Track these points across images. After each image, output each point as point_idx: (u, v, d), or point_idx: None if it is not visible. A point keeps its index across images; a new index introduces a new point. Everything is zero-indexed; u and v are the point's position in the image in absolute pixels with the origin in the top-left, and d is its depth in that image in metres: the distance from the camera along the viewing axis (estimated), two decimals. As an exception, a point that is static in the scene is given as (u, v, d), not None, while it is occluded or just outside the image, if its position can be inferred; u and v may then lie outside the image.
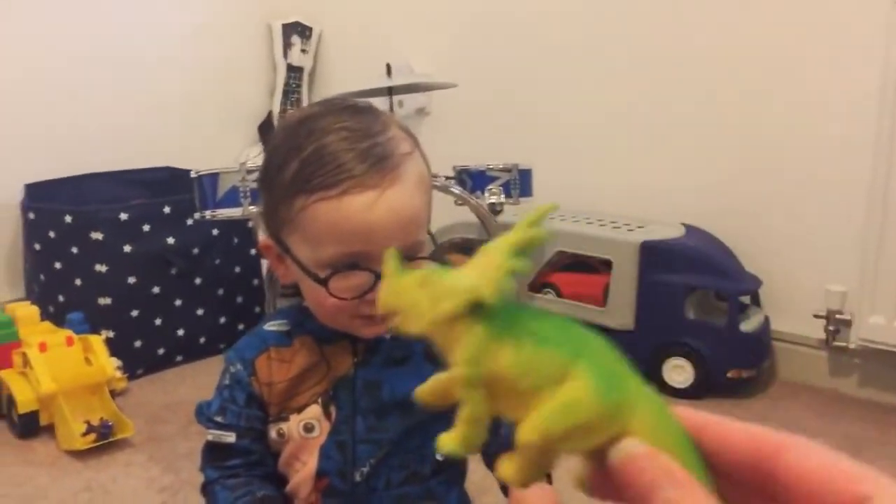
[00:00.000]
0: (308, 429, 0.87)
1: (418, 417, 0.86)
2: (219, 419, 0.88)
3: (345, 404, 0.86)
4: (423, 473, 0.88)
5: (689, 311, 1.76)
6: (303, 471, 0.87)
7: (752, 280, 1.80)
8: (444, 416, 0.87)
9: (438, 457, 0.89)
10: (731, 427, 0.29)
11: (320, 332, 0.87)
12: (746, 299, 1.83)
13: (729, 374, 1.72)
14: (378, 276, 0.77)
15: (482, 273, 0.30)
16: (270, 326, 0.90)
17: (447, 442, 0.30)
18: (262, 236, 0.88)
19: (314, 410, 0.86)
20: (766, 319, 1.80)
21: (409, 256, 0.79)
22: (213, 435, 0.88)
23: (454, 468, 0.91)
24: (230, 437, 0.87)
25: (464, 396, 0.30)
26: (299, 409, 0.87)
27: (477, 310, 0.29)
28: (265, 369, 0.87)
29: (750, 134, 1.85)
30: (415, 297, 0.31)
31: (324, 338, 0.87)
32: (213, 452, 0.88)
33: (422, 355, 0.86)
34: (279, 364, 0.87)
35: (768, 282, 1.81)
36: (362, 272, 0.78)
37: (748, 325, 1.74)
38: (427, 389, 0.32)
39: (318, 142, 0.78)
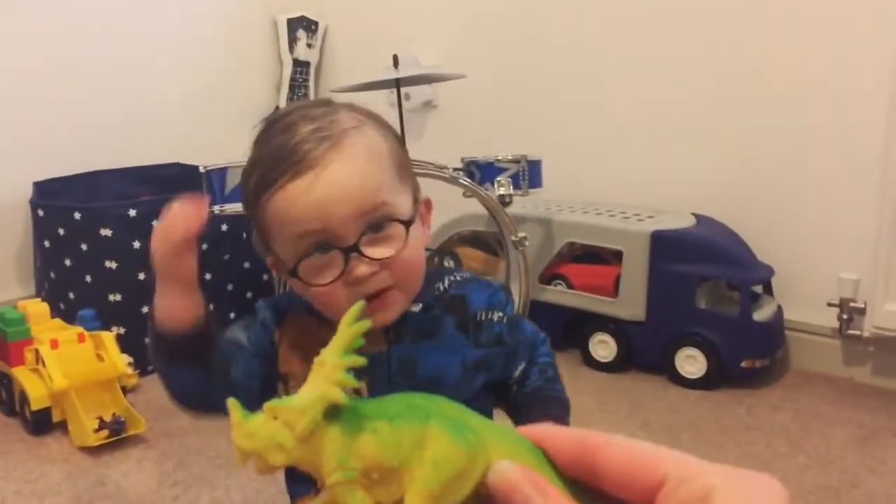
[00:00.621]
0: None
1: (450, 394, 0.86)
2: (238, 334, 0.85)
3: (379, 382, 0.83)
4: None
5: (701, 302, 1.75)
6: None
7: (765, 269, 1.79)
8: (476, 398, 0.85)
9: None
10: (561, 437, 0.32)
11: None
12: (759, 289, 1.81)
13: (742, 364, 1.71)
14: (346, 251, 0.76)
15: (323, 381, 0.32)
16: (264, 311, 0.88)
17: None
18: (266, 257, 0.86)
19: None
20: (779, 309, 1.79)
21: (376, 223, 0.77)
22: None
23: None
24: (242, 339, 0.85)
25: (347, 500, 0.31)
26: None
27: (329, 417, 0.32)
28: (293, 329, 0.85)
29: (760, 123, 1.84)
30: (270, 431, 0.32)
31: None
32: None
33: (452, 325, 0.86)
34: (316, 337, 0.86)
35: (781, 271, 1.79)
36: (329, 254, 0.76)
37: (761, 315, 1.73)
38: None
39: (264, 146, 0.79)
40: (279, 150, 0.76)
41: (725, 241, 1.79)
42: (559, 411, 0.89)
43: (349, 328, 0.34)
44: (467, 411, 0.33)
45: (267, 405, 0.33)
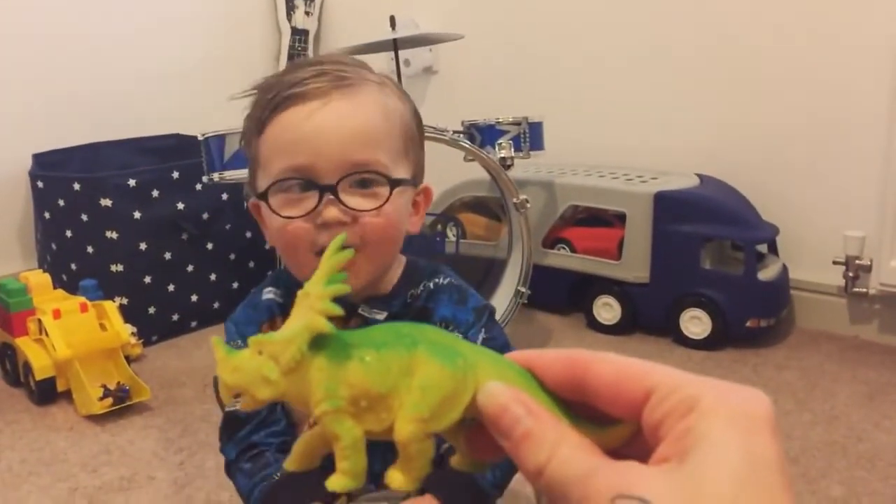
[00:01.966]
0: None
1: None
2: None
3: None
4: None
5: (705, 262, 1.74)
6: None
7: (770, 228, 1.77)
8: None
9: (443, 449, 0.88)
10: (550, 356, 0.32)
11: None
12: (764, 248, 1.80)
13: (747, 324, 1.70)
14: (323, 189, 0.74)
15: (307, 310, 0.31)
16: (266, 294, 0.88)
17: (335, 483, 0.31)
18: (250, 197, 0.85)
19: None
20: (784, 268, 1.78)
21: (365, 178, 0.75)
22: (229, 404, 0.87)
23: None
24: None
25: (335, 430, 0.31)
26: None
27: (315, 348, 0.31)
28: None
29: (764, 81, 1.81)
30: (256, 365, 0.31)
31: None
32: (228, 425, 0.87)
33: None
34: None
35: (786, 230, 1.78)
36: (309, 192, 0.75)
37: (766, 274, 1.71)
38: (295, 456, 0.34)
39: (282, 76, 0.78)
40: (294, 79, 0.75)
41: (729, 201, 1.77)
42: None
43: (332, 257, 0.33)
44: (455, 338, 0.33)
45: (251, 339, 0.32)
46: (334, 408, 0.31)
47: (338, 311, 0.31)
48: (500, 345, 0.87)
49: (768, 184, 1.82)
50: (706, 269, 1.73)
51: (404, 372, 0.31)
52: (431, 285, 0.86)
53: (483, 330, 0.85)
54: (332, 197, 0.74)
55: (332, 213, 0.74)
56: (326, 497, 0.82)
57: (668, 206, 1.74)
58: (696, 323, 1.73)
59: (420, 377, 0.31)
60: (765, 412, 0.28)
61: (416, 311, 0.84)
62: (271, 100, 0.75)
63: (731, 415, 0.27)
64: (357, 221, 0.75)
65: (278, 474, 0.82)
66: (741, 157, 1.86)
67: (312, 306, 0.32)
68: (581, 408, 0.31)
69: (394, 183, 0.76)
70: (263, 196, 0.75)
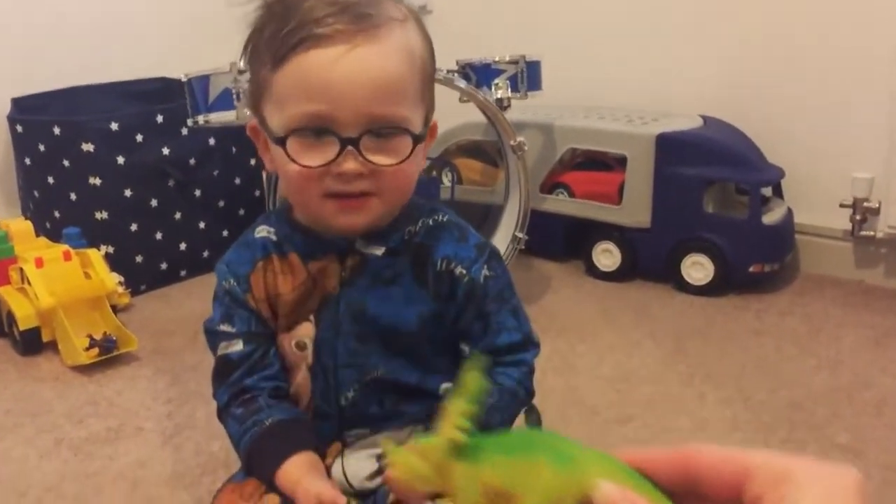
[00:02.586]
0: (300, 347, 0.82)
1: (404, 345, 0.80)
2: (224, 327, 0.83)
3: (327, 325, 0.80)
4: (422, 397, 0.83)
5: (708, 206, 1.69)
6: (301, 382, 0.83)
7: (775, 171, 1.72)
8: (440, 352, 0.80)
9: (443, 391, 0.83)
10: (657, 454, 0.36)
11: (305, 247, 0.81)
12: (768, 192, 1.75)
13: (751, 269, 1.66)
14: (344, 143, 0.70)
15: (448, 426, 0.41)
16: (259, 232, 0.84)
17: None
18: (250, 119, 0.80)
19: (307, 328, 0.81)
20: (789, 211, 1.73)
21: (386, 128, 0.71)
22: (221, 348, 0.83)
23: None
24: (237, 345, 0.82)
25: None
26: (289, 328, 0.82)
27: (457, 453, 0.40)
28: (260, 284, 0.82)
29: (769, 18, 1.75)
30: (416, 465, 0.42)
31: (308, 253, 0.80)
32: (220, 369, 0.84)
33: (411, 276, 0.80)
34: (282, 276, 0.81)
35: (791, 172, 1.72)
36: (328, 138, 0.70)
37: (770, 218, 1.67)
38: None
39: (301, 2, 0.70)
40: (306, 12, 0.69)
41: (733, 143, 1.72)
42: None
43: (472, 382, 0.41)
44: (571, 443, 0.39)
45: (412, 445, 0.43)
46: (469, 500, 0.40)
47: (469, 427, 0.40)
48: (504, 283, 0.83)
49: (774, 125, 1.76)
50: (709, 213, 1.68)
51: (527, 474, 0.38)
52: (430, 222, 0.82)
53: (486, 266, 0.80)
54: (353, 149, 0.70)
55: (350, 165, 0.71)
56: (314, 447, 0.79)
57: (670, 149, 1.69)
58: (697, 268, 1.69)
59: (540, 480, 0.37)
60: (854, 484, 0.31)
61: (414, 248, 0.80)
62: (289, 34, 0.69)
63: (821, 486, 0.31)
64: (374, 173, 0.72)
65: (269, 421, 0.79)
66: (746, 97, 1.80)
67: (452, 422, 0.41)
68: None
69: (416, 139, 0.73)
70: (281, 141, 0.71)
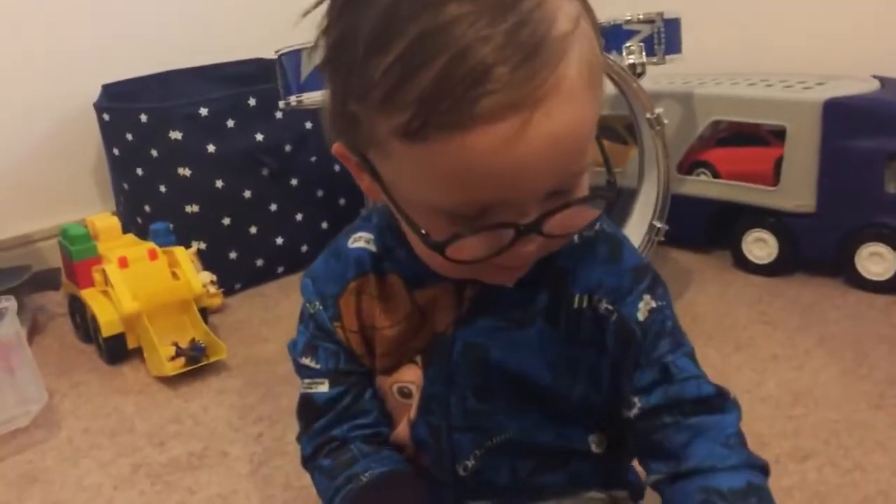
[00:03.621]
0: (404, 394, 0.63)
1: (538, 403, 0.60)
2: (307, 362, 0.65)
3: (437, 376, 0.61)
4: (565, 461, 0.63)
5: (890, 185, 1.41)
6: (403, 434, 0.66)
7: (973, 140, 1.42)
8: (587, 410, 0.53)
9: (595, 446, 0.62)
10: None
11: (410, 269, 0.60)
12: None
13: (946, 262, 1.37)
14: (519, 231, 0.48)
15: None
16: (356, 242, 0.64)
17: None
18: (333, 142, 0.58)
19: (413, 372, 0.63)
20: None
21: (564, 192, 0.50)
22: (304, 384, 0.67)
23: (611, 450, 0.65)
24: (322, 386, 0.65)
25: None
26: (389, 371, 0.64)
27: None
28: (351, 311, 0.63)
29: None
30: None
31: (414, 277, 0.60)
32: (303, 410, 0.68)
33: (545, 318, 0.59)
34: (382, 304, 0.62)
35: None
36: (498, 230, 0.49)
37: (971, 199, 1.37)
38: None
39: (430, 19, 0.45)
40: (454, 54, 0.44)
41: (921, 108, 1.43)
42: None
43: None
44: None
45: None
46: None
47: None
48: (672, 319, 0.60)
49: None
50: (891, 194, 1.41)
51: None
52: (575, 238, 0.60)
53: (647, 297, 0.58)
54: (533, 235, 0.50)
55: (529, 249, 0.51)
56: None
57: (840, 117, 1.42)
58: (877, 260, 1.42)
59: None
60: None
61: (553, 277, 0.59)
62: (432, 100, 0.45)
63: None
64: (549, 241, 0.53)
65: (366, 475, 0.62)
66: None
67: None
68: None
69: (611, 197, 0.55)
70: (438, 247, 0.50)
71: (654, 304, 0.59)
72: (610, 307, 0.58)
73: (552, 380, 0.59)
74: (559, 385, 0.60)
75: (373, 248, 0.64)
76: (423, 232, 0.51)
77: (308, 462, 0.69)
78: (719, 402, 0.59)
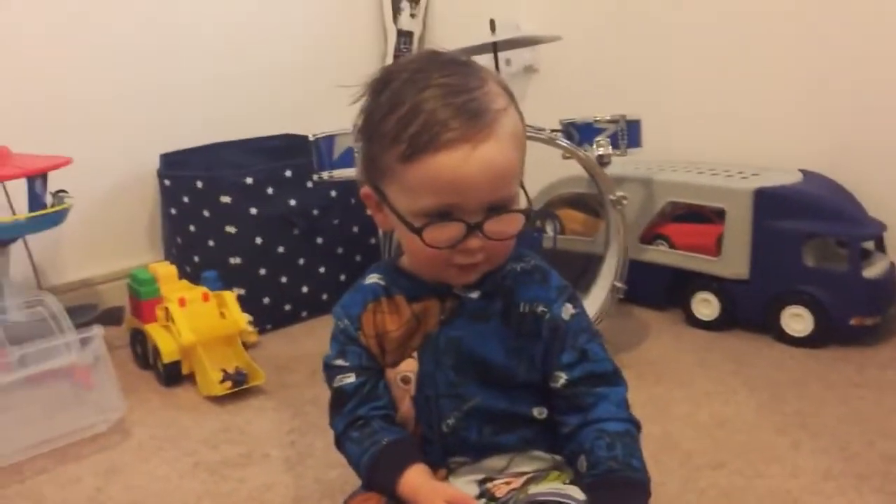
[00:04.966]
0: (405, 381, 0.94)
1: (496, 377, 0.91)
2: (339, 362, 0.96)
3: (429, 360, 0.92)
4: (516, 426, 0.93)
5: (807, 259, 1.71)
6: (406, 412, 0.95)
7: (876, 225, 1.73)
8: (529, 386, 0.92)
9: (536, 413, 0.93)
10: None
11: (410, 290, 0.94)
12: (871, 245, 1.76)
13: (851, 322, 1.67)
14: (469, 227, 0.82)
15: None
16: (370, 279, 0.98)
17: None
18: (363, 186, 0.93)
19: (410, 364, 0.93)
20: (892, 265, 1.73)
21: (499, 207, 0.84)
22: (336, 380, 0.96)
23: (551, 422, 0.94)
24: (350, 378, 0.94)
25: None
26: (394, 364, 0.94)
27: None
28: (370, 323, 0.94)
29: (866, 73, 1.78)
30: None
31: (413, 295, 0.93)
32: (336, 400, 0.97)
33: (500, 316, 0.91)
34: (389, 315, 0.94)
35: (894, 226, 1.73)
36: (455, 223, 0.83)
37: (872, 272, 1.68)
38: None
39: (416, 97, 0.82)
40: (429, 113, 0.80)
41: (834, 197, 1.75)
42: (634, 498, 0.85)
43: None
44: None
45: None
46: None
47: None
48: (588, 320, 0.94)
49: (874, 178, 1.78)
50: (809, 266, 1.71)
51: None
52: (518, 268, 0.94)
53: (568, 304, 0.92)
54: (478, 231, 0.83)
55: (475, 244, 0.84)
56: (425, 462, 0.90)
57: (768, 203, 1.73)
58: (797, 320, 1.72)
59: None
60: None
61: (504, 291, 0.92)
62: (418, 135, 0.80)
63: None
64: (491, 244, 0.85)
65: (385, 440, 0.91)
66: (845, 150, 1.83)
67: None
68: None
69: (527, 215, 0.86)
70: (417, 231, 0.84)
71: (573, 311, 0.92)
72: (545, 310, 0.91)
73: (505, 361, 0.90)
74: (510, 366, 0.90)
75: (382, 282, 0.97)
76: (413, 224, 0.84)
77: (340, 436, 0.97)
78: (616, 377, 0.92)
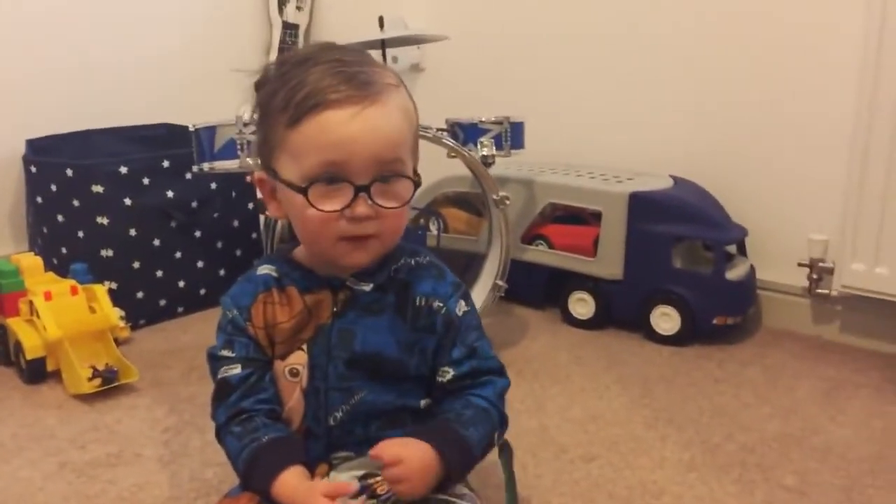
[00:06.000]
0: (293, 373, 0.92)
1: (387, 371, 0.92)
2: (225, 353, 0.94)
3: (320, 351, 0.91)
4: (403, 421, 0.94)
5: (676, 261, 1.80)
6: (293, 406, 0.93)
7: (739, 230, 1.84)
8: (418, 379, 0.93)
9: (423, 405, 0.94)
10: None
11: (303, 282, 0.93)
12: (733, 249, 1.87)
13: (715, 321, 1.77)
14: (357, 189, 0.83)
15: None
16: (263, 270, 0.96)
17: None
18: (256, 171, 0.93)
19: (299, 356, 0.92)
20: (752, 268, 1.85)
21: (388, 174, 0.84)
22: (221, 371, 0.94)
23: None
24: (236, 369, 0.92)
25: None
26: (283, 356, 0.93)
27: None
28: (260, 314, 0.93)
29: (734, 86, 1.88)
30: None
31: (306, 287, 0.93)
32: (219, 391, 0.95)
33: (394, 309, 0.92)
34: (280, 307, 0.92)
35: (754, 232, 1.85)
36: (342, 185, 0.83)
37: (734, 274, 1.79)
38: None
39: (306, 72, 0.83)
40: (318, 80, 0.82)
41: (701, 203, 1.84)
42: (449, 447, 0.87)
43: None
44: None
45: None
46: None
47: None
48: (478, 319, 0.96)
49: (739, 187, 1.89)
50: (677, 268, 1.80)
51: None
52: (413, 262, 0.95)
53: (462, 302, 0.93)
54: (364, 195, 0.83)
55: (362, 209, 0.83)
56: (305, 461, 0.89)
57: (642, 207, 1.81)
58: (666, 319, 1.80)
59: None
60: None
61: (398, 284, 0.93)
62: (305, 99, 0.81)
63: None
64: (380, 215, 0.85)
65: (266, 437, 0.90)
66: (713, 159, 1.93)
67: None
68: None
69: (416, 184, 0.87)
70: (302, 190, 0.83)
71: (466, 308, 0.94)
72: (441, 304, 0.92)
73: (398, 355, 0.91)
74: (402, 359, 0.91)
75: (274, 273, 0.95)
76: (298, 185, 0.83)
77: (221, 429, 0.94)
78: (501, 373, 0.95)
